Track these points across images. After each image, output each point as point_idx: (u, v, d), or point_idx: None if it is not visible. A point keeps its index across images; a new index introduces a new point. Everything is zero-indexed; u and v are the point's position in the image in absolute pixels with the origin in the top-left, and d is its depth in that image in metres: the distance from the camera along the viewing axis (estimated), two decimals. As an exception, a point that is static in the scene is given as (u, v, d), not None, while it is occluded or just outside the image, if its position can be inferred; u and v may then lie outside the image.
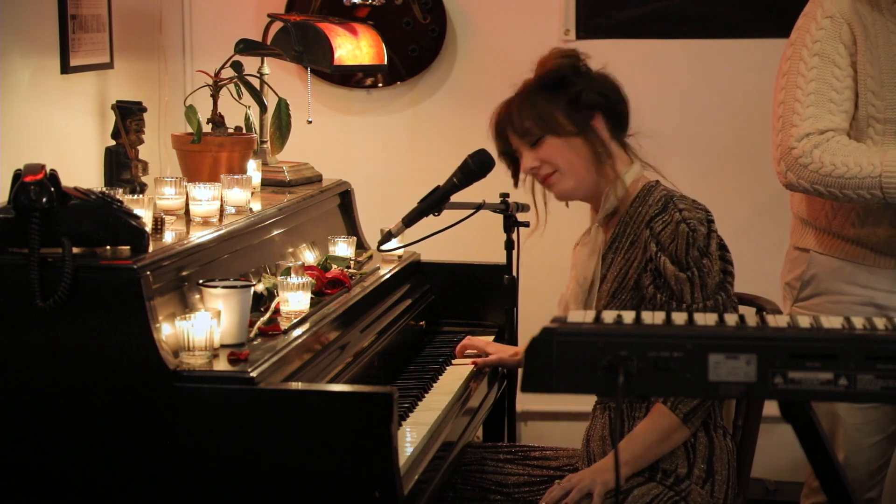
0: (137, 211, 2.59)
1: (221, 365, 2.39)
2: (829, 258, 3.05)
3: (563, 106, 2.72)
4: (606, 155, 2.72)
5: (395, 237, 3.18)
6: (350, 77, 4.20)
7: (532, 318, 3.19)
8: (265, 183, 3.46)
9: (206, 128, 3.29)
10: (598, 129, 2.73)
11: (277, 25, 3.68)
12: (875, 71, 2.91)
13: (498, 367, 3.27)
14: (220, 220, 2.90)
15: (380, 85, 4.25)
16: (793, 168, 2.93)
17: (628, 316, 1.77)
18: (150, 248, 2.46)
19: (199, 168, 3.23)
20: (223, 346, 2.47)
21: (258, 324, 2.62)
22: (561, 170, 2.73)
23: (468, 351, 3.22)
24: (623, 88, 2.80)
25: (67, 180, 2.45)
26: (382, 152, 4.31)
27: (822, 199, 2.95)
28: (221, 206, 2.94)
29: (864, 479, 3.12)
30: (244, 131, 3.42)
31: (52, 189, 2.36)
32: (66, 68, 3.43)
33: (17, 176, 2.38)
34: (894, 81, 2.90)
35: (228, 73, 3.36)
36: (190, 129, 3.25)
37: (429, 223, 3.16)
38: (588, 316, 1.77)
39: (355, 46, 3.69)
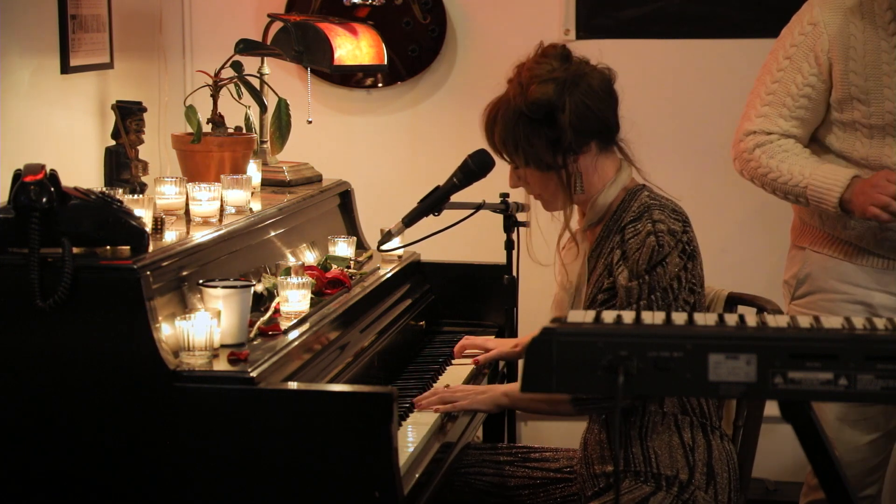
0: (137, 211, 2.59)
1: (221, 365, 2.39)
2: (824, 257, 3.09)
3: (545, 142, 2.63)
4: (591, 179, 2.66)
5: (395, 237, 3.18)
6: (350, 77, 4.20)
7: (532, 318, 3.20)
8: (265, 183, 3.46)
9: (206, 128, 3.29)
10: (583, 159, 2.65)
11: (277, 25, 3.68)
12: (860, 80, 2.96)
13: (499, 366, 3.27)
14: (220, 220, 2.90)
15: (380, 85, 4.25)
16: (739, 159, 3.10)
17: (628, 316, 1.77)
18: (150, 248, 2.46)
19: (199, 168, 3.23)
20: (223, 346, 2.47)
21: (258, 324, 2.62)
22: (543, 195, 2.72)
23: (468, 350, 3.21)
24: (614, 93, 2.68)
25: (67, 180, 2.45)
26: (382, 152, 4.31)
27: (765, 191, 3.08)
28: (221, 206, 2.94)
29: (860, 477, 3.13)
30: (244, 131, 3.42)
31: (52, 189, 2.36)
32: (66, 68, 3.43)
33: (17, 176, 2.38)
34: (879, 90, 2.96)
35: (228, 73, 3.36)
36: (190, 129, 3.25)
37: (429, 223, 3.16)
38: (588, 316, 1.78)
39: (355, 46, 3.69)
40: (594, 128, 2.64)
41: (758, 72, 4.05)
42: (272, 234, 3.08)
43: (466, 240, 3.56)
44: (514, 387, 2.82)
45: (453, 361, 3.20)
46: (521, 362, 2.62)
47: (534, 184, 2.70)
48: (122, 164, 3.16)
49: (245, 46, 3.43)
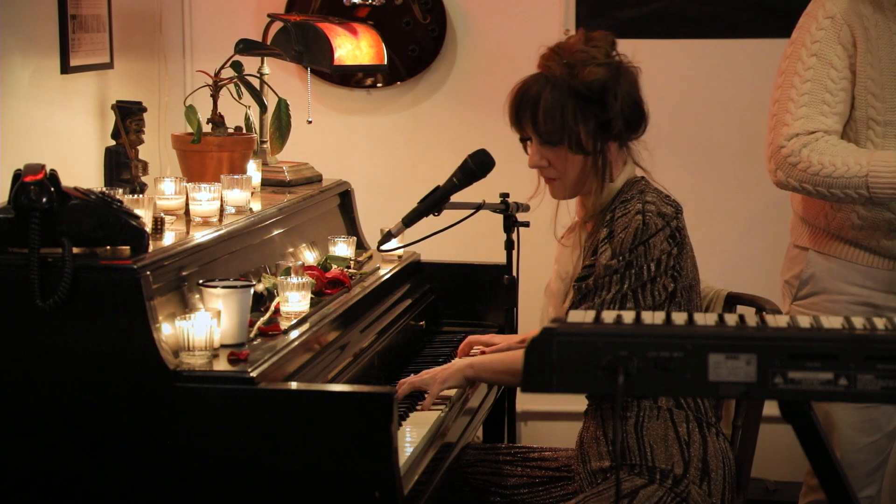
0: (137, 211, 2.59)
1: (221, 365, 2.39)
2: (828, 257, 3.07)
3: (591, 125, 2.64)
4: (610, 170, 2.69)
5: (395, 237, 3.18)
6: (350, 77, 4.21)
7: (532, 318, 3.20)
8: (265, 183, 3.46)
9: (206, 128, 3.29)
10: (610, 149, 2.69)
11: (277, 25, 3.68)
12: (876, 73, 2.92)
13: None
14: (220, 220, 2.90)
15: (380, 85, 4.25)
16: (782, 167, 2.96)
17: (628, 316, 1.77)
18: (150, 248, 2.46)
19: (199, 168, 3.23)
20: (223, 346, 2.47)
21: (258, 324, 2.62)
22: (563, 178, 2.72)
23: (475, 349, 3.21)
24: (643, 93, 2.72)
25: (67, 180, 2.45)
26: (382, 152, 4.31)
27: (812, 197, 2.97)
28: (221, 206, 2.94)
29: (860, 478, 3.13)
30: (244, 131, 3.42)
31: (52, 189, 2.36)
32: (66, 68, 3.43)
33: (17, 176, 2.38)
34: (894, 85, 2.91)
35: (228, 73, 3.36)
36: (190, 129, 3.25)
37: (429, 223, 3.16)
38: (588, 316, 1.77)
39: (355, 46, 3.69)
40: (637, 119, 2.68)
41: (759, 73, 4.04)
42: (272, 234, 3.08)
43: (466, 240, 3.56)
44: (478, 358, 2.86)
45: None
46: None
47: (559, 165, 2.70)
48: (122, 164, 3.15)
49: (245, 46, 3.43)
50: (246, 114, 3.45)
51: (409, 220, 3.14)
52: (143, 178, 3.20)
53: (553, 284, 2.80)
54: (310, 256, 3.19)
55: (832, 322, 1.74)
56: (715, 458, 2.65)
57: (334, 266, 3.12)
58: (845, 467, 3.07)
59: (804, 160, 2.92)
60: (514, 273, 3.30)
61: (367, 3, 4.12)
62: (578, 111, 2.64)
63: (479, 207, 3.22)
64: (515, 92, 2.70)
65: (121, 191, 2.82)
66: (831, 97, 2.93)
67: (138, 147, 3.21)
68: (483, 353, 3.13)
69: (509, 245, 3.30)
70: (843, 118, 2.96)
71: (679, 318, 1.77)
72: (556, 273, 2.80)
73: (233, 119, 3.41)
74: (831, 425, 3.10)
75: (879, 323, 1.73)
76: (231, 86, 3.35)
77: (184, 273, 2.57)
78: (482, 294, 3.55)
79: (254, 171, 3.34)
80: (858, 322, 1.74)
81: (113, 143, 3.20)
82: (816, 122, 2.93)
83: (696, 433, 2.65)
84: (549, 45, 2.72)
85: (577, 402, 2.82)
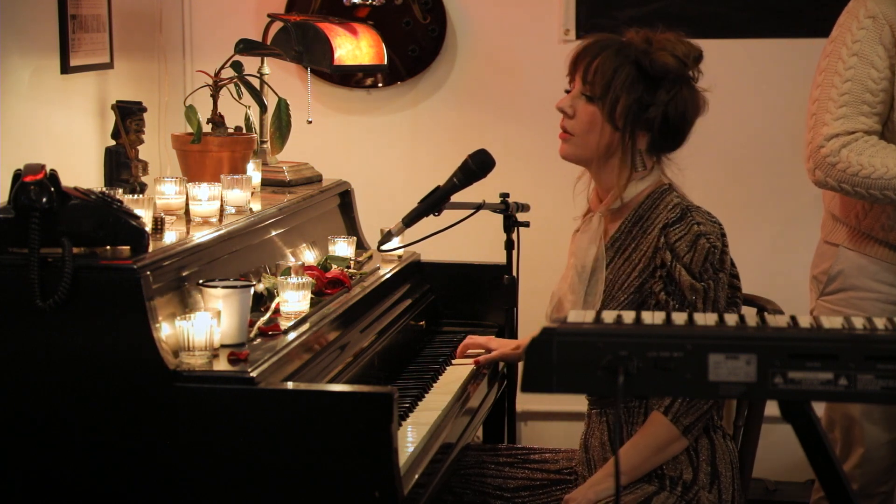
0: (137, 211, 2.59)
1: (221, 365, 2.39)
2: (858, 255, 3.06)
3: (632, 99, 2.63)
4: (631, 161, 2.67)
5: (395, 237, 3.18)
6: (350, 77, 4.21)
7: (532, 318, 3.20)
8: (265, 183, 3.46)
9: (206, 128, 3.29)
10: (638, 139, 2.67)
11: (277, 25, 3.68)
12: None
13: (498, 366, 3.27)
14: (220, 220, 2.90)
15: (380, 85, 4.25)
16: (821, 166, 2.95)
17: (628, 316, 1.77)
18: (150, 248, 2.46)
19: (199, 168, 3.23)
20: (223, 346, 2.47)
21: (258, 324, 2.62)
22: (578, 137, 2.70)
23: (470, 350, 3.21)
24: (698, 116, 2.70)
25: (67, 180, 2.45)
26: (382, 152, 4.31)
27: (850, 197, 2.97)
28: (221, 206, 2.94)
29: (877, 474, 3.14)
30: (244, 131, 3.42)
31: (52, 189, 2.36)
32: (66, 68, 3.43)
33: (17, 176, 2.38)
34: None
35: (228, 73, 3.36)
36: (190, 129, 3.25)
37: (429, 223, 3.16)
38: (588, 316, 1.78)
39: (355, 46, 3.69)
40: (673, 132, 2.68)
41: (760, 74, 4.03)
42: (272, 234, 3.08)
43: (466, 240, 3.56)
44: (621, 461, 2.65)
45: (453, 361, 3.20)
46: (521, 364, 2.62)
47: (583, 122, 2.68)
48: (122, 164, 3.15)
49: (245, 46, 3.43)
50: (246, 114, 3.45)
51: (409, 220, 3.14)
52: (143, 178, 3.19)
53: (569, 279, 2.76)
54: (310, 256, 3.19)
55: (832, 322, 1.74)
56: (723, 462, 2.64)
57: (334, 266, 3.12)
58: (866, 464, 3.09)
59: (843, 160, 2.91)
60: (514, 273, 3.30)
61: (367, 3, 4.12)
62: (629, 80, 2.63)
63: (479, 207, 3.22)
64: (588, 40, 2.71)
65: (121, 191, 2.82)
66: (872, 97, 2.92)
67: (138, 147, 3.21)
68: (476, 359, 3.14)
69: (509, 245, 3.30)
70: (883, 118, 2.95)
71: (679, 318, 1.77)
72: (572, 267, 2.76)
73: (233, 119, 3.41)
74: (852, 421, 3.10)
75: (879, 323, 1.74)
76: (231, 86, 3.35)
77: (184, 273, 2.57)
78: (482, 294, 3.55)
79: (254, 171, 3.34)
80: (858, 322, 1.74)
81: (113, 143, 3.20)
82: (856, 123, 2.92)
83: (704, 437, 2.64)
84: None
85: (577, 403, 2.82)
